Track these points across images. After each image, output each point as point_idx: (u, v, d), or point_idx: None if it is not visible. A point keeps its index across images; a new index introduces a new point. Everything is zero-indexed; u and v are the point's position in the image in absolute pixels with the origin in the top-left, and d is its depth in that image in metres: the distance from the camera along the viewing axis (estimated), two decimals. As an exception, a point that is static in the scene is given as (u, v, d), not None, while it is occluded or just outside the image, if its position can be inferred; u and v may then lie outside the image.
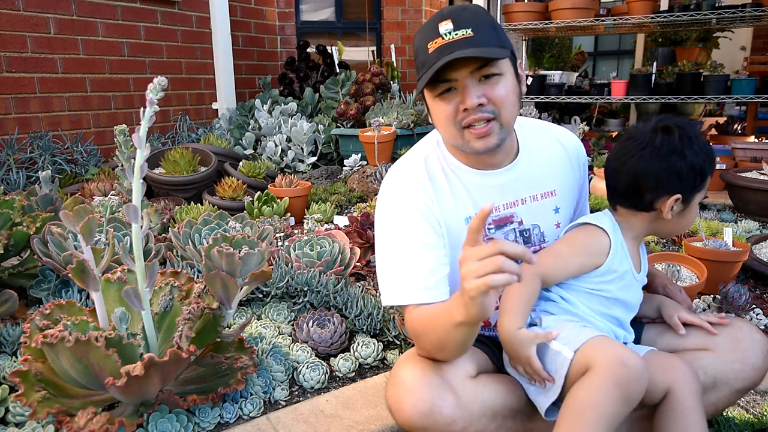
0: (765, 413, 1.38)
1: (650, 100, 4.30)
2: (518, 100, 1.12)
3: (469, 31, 1.03)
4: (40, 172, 2.29)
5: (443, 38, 1.03)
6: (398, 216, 1.15)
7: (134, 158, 1.11)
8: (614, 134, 5.46)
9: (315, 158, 3.97)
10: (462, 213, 1.17)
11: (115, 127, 2.26)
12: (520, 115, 1.20)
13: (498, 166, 1.19)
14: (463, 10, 1.06)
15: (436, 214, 1.15)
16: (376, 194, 3.15)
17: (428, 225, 1.13)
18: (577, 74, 6.19)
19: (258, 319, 1.76)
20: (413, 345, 1.57)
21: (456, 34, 1.03)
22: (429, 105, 1.13)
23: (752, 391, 1.47)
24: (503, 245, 0.82)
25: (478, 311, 0.87)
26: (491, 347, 1.22)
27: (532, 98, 4.76)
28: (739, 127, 4.87)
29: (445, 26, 1.04)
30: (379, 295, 1.18)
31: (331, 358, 1.58)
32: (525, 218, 1.22)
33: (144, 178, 1.12)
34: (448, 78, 1.05)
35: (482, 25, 1.04)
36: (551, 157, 1.25)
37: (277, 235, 2.35)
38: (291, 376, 1.50)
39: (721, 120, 5.17)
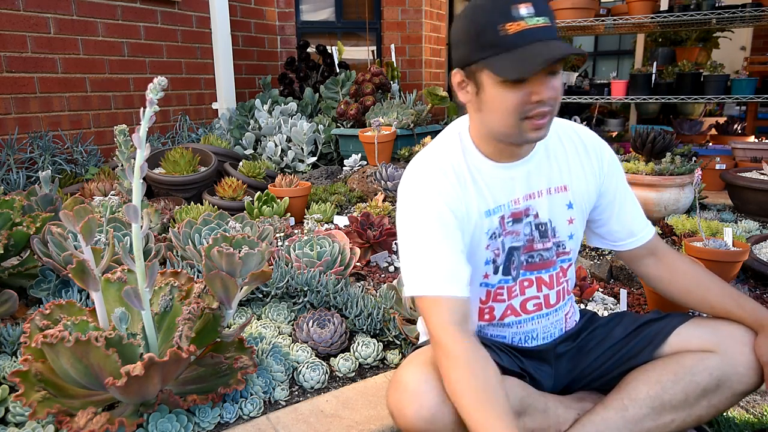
0: (765, 413, 1.38)
1: (650, 100, 4.30)
2: None
3: (547, 20, 1.00)
4: (40, 172, 2.29)
5: (526, 22, 0.99)
6: (423, 205, 1.11)
7: (134, 158, 1.11)
8: (614, 134, 5.46)
9: (315, 158, 3.97)
10: (482, 206, 1.14)
11: (115, 127, 2.26)
12: None
13: (521, 156, 1.16)
14: None
15: (459, 205, 1.12)
16: (376, 194, 3.17)
17: (452, 215, 1.10)
18: (577, 74, 6.19)
19: (258, 319, 1.76)
20: (413, 345, 1.57)
21: (538, 21, 0.99)
22: (486, 90, 1.05)
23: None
24: None
25: None
26: (494, 349, 1.20)
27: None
28: (739, 127, 4.87)
29: (527, 9, 0.99)
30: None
31: (331, 358, 1.58)
32: (541, 212, 1.19)
33: (144, 178, 1.12)
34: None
35: (552, 14, 1.02)
36: (566, 149, 1.22)
37: (277, 235, 2.35)
38: (291, 376, 1.50)
39: (721, 120, 5.18)
